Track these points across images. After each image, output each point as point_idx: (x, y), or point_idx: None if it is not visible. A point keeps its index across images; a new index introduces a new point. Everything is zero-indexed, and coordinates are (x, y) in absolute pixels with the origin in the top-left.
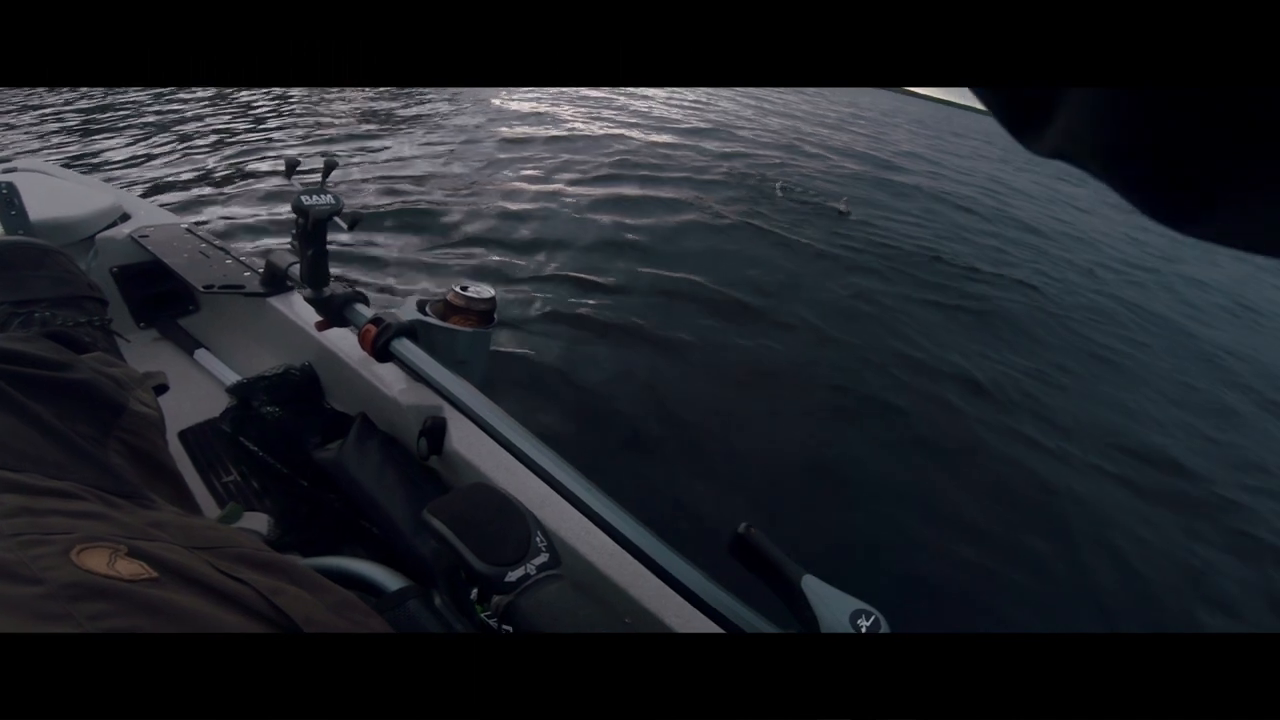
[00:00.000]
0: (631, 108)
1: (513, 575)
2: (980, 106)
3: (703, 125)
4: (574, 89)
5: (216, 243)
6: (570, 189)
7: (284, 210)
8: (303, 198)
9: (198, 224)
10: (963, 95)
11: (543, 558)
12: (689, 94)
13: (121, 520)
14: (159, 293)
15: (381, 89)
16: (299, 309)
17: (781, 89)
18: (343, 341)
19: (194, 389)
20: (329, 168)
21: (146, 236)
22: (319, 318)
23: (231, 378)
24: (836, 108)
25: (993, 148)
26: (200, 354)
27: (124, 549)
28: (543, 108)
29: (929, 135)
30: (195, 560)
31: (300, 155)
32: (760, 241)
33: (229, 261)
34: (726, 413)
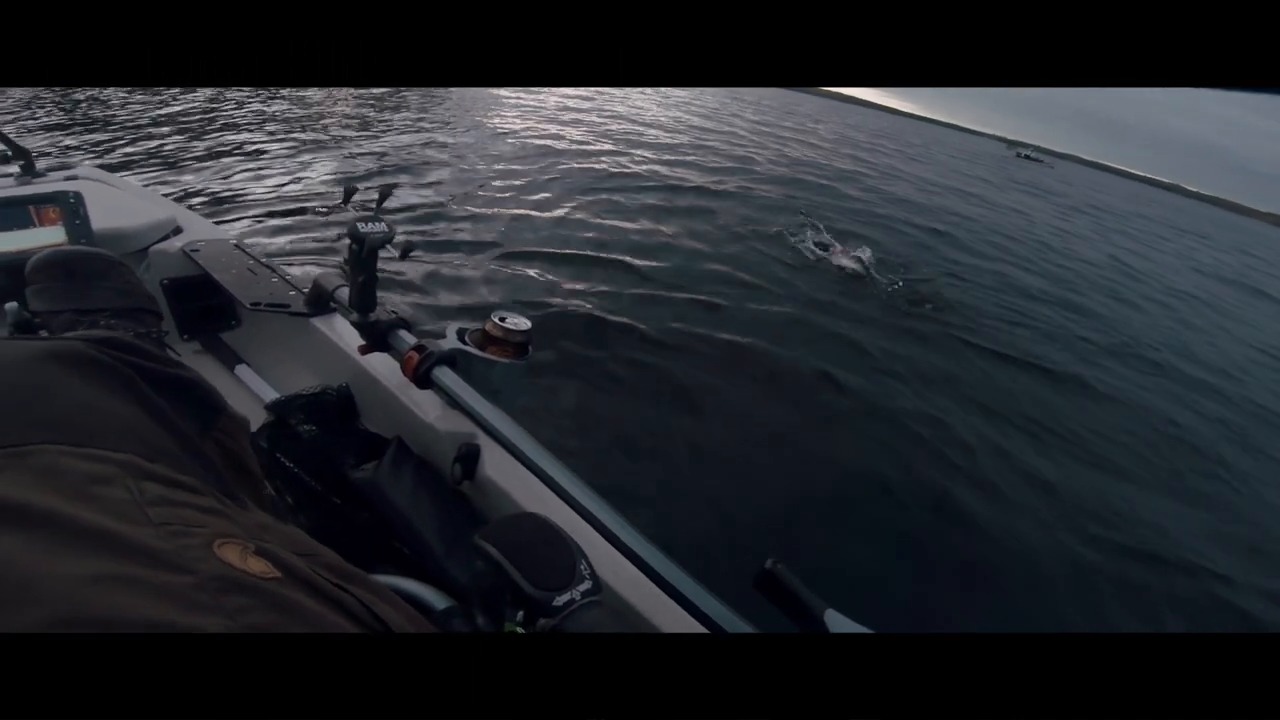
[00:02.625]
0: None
1: (560, 600)
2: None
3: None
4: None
5: (264, 260)
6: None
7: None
8: (359, 224)
9: (245, 240)
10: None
11: (586, 584)
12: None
13: (239, 519)
14: (205, 307)
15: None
16: (340, 330)
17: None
18: (381, 365)
19: (233, 404)
20: (384, 195)
21: (197, 251)
22: (360, 341)
23: (270, 394)
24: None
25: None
26: (241, 369)
27: (252, 547)
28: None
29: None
30: (303, 564)
31: (356, 184)
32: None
33: (275, 280)
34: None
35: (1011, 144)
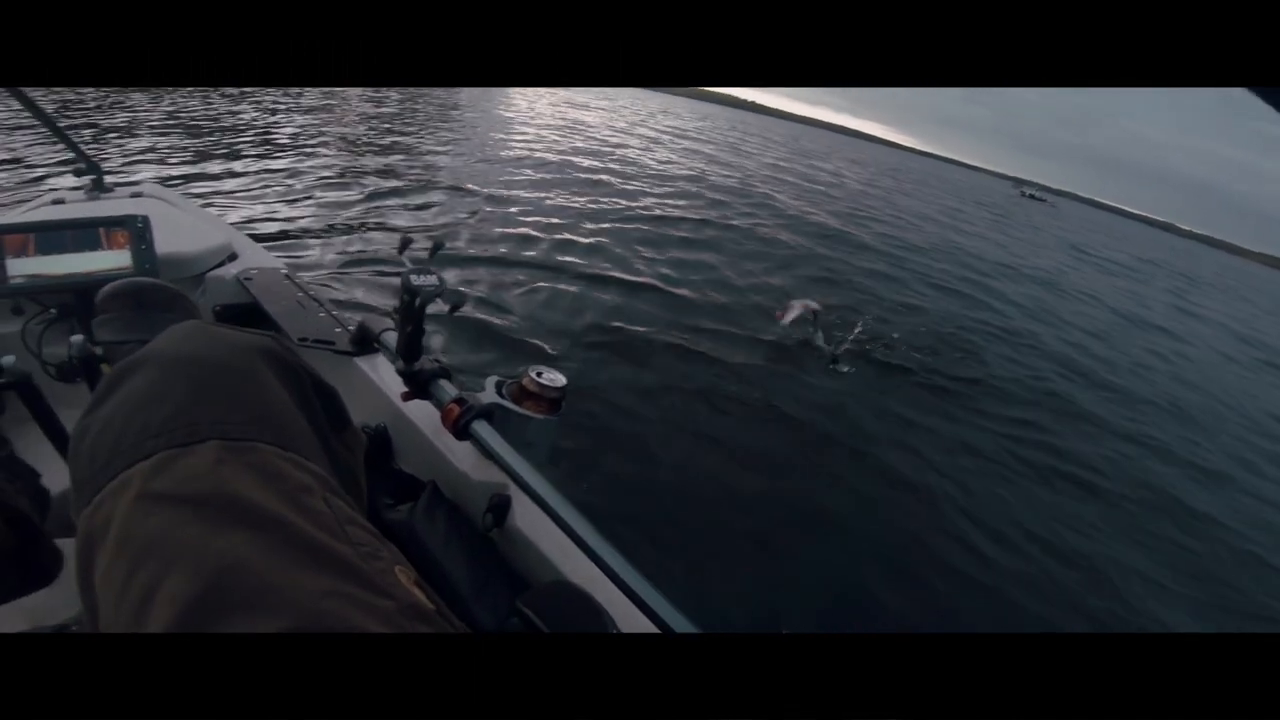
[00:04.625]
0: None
1: None
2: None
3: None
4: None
5: (312, 293)
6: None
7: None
8: (412, 277)
9: (294, 268)
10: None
11: None
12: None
13: (390, 547)
14: None
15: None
16: (382, 372)
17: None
18: (420, 412)
19: None
20: (436, 247)
21: (250, 279)
22: (403, 387)
23: None
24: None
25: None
26: None
27: (413, 575)
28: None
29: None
30: (437, 600)
31: (412, 234)
32: None
33: (322, 315)
34: None
35: (1018, 183)
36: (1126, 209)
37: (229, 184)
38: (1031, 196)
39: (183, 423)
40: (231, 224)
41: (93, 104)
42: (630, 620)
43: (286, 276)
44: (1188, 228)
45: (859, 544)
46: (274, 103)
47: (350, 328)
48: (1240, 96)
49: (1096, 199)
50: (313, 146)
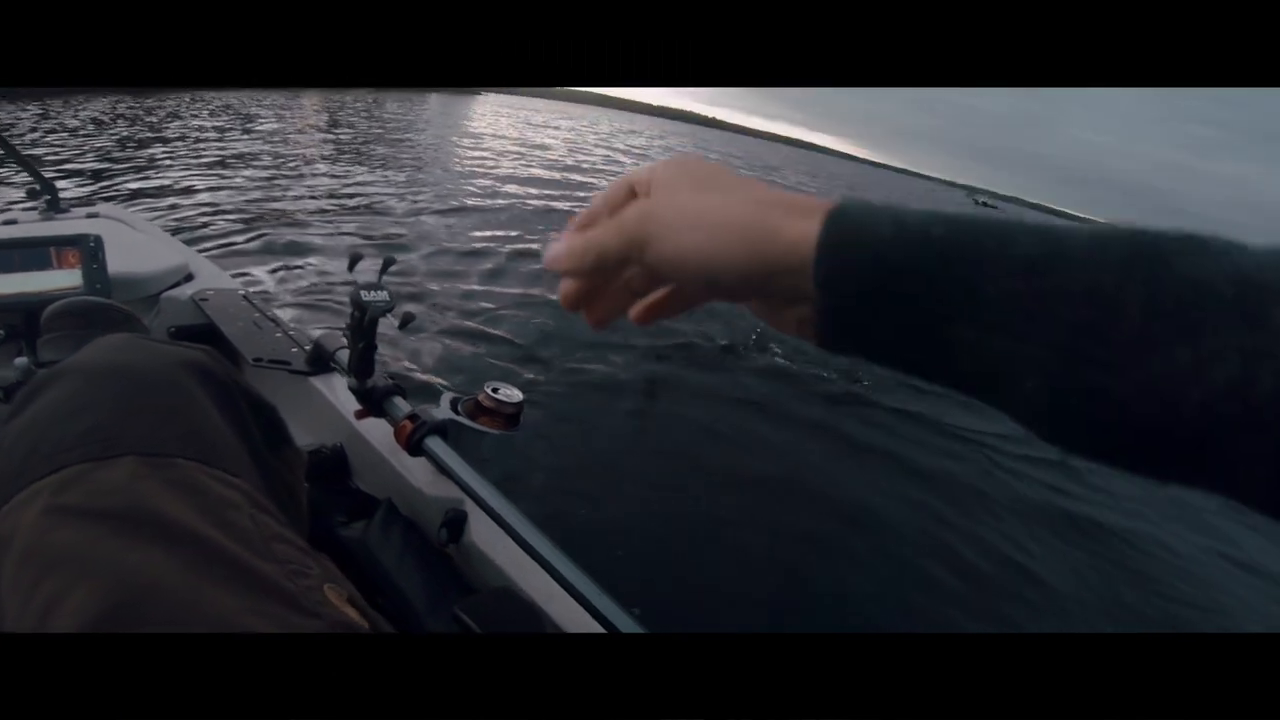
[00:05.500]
0: None
1: None
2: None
3: None
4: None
5: (269, 313)
6: None
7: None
8: (362, 293)
9: (252, 289)
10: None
11: None
12: None
13: (321, 562)
14: None
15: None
16: (338, 392)
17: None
18: (375, 430)
19: None
20: (387, 264)
21: (206, 300)
22: (358, 405)
23: None
24: None
25: None
26: None
27: (344, 594)
28: None
29: None
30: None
31: (361, 251)
32: None
33: (279, 335)
34: None
35: (970, 191)
36: (1071, 212)
37: (180, 205)
38: (984, 204)
39: (99, 436)
40: (189, 244)
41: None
42: (585, 629)
43: (244, 297)
44: None
45: (787, 540)
46: (221, 120)
47: (307, 347)
48: (1174, 99)
49: (1043, 204)
50: (264, 163)
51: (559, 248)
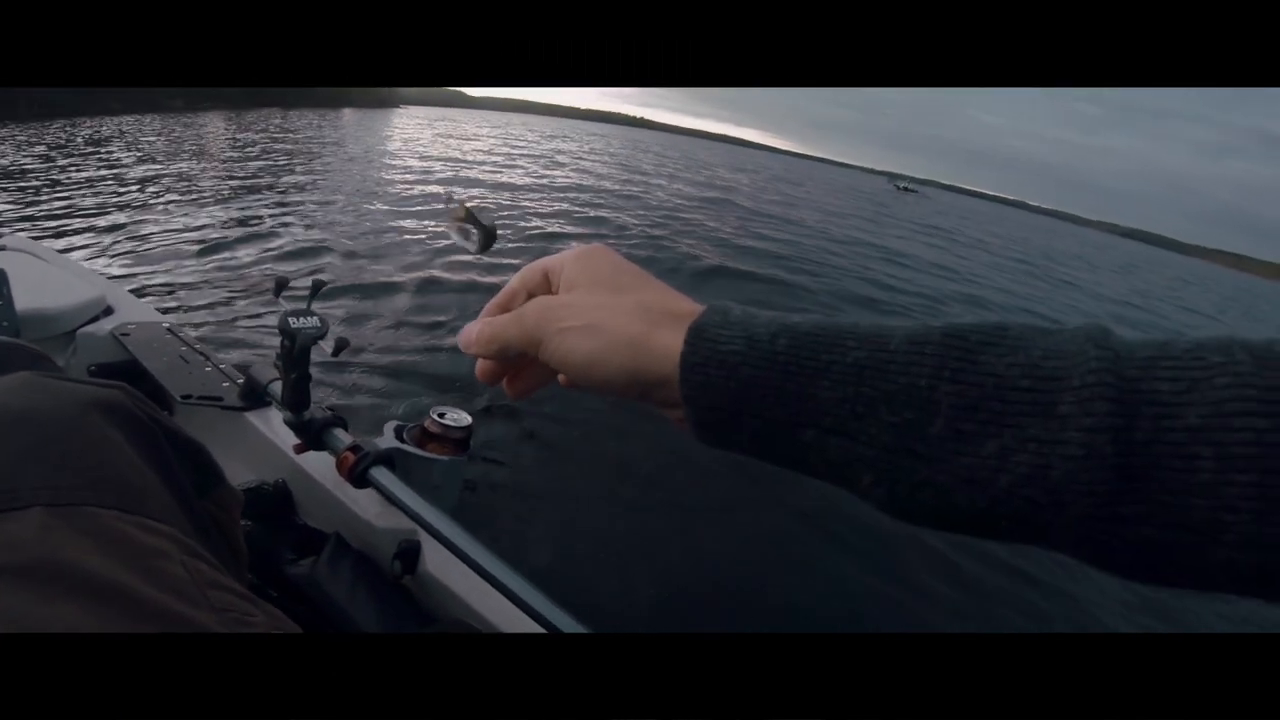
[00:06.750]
0: None
1: None
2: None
3: None
4: None
5: (198, 347)
6: None
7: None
8: (290, 319)
9: (176, 321)
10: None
11: None
12: None
13: (264, 608)
14: None
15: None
16: (276, 426)
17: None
18: (318, 462)
19: None
20: (316, 288)
21: (128, 335)
22: (296, 439)
23: None
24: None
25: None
26: None
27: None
28: None
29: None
30: None
31: (288, 274)
32: None
33: (208, 369)
34: None
35: (891, 178)
36: (985, 191)
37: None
38: (905, 189)
39: (1, 488)
40: (107, 277)
41: None
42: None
43: (169, 330)
44: (1036, 204)
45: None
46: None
47: (239, 381)
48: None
49: (956, 184)
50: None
51: (470, 332)
